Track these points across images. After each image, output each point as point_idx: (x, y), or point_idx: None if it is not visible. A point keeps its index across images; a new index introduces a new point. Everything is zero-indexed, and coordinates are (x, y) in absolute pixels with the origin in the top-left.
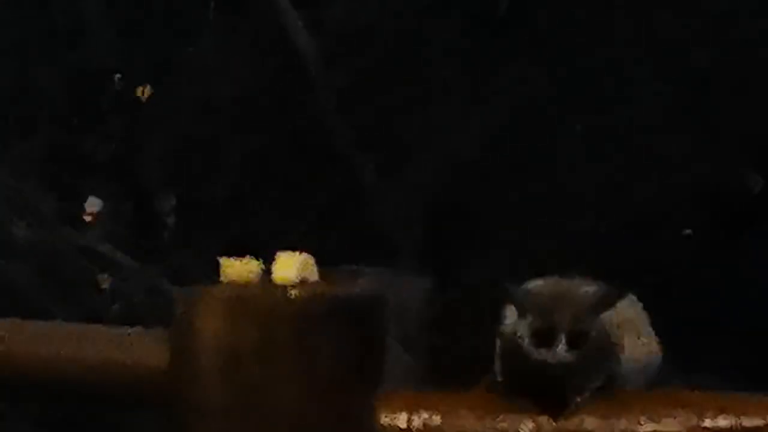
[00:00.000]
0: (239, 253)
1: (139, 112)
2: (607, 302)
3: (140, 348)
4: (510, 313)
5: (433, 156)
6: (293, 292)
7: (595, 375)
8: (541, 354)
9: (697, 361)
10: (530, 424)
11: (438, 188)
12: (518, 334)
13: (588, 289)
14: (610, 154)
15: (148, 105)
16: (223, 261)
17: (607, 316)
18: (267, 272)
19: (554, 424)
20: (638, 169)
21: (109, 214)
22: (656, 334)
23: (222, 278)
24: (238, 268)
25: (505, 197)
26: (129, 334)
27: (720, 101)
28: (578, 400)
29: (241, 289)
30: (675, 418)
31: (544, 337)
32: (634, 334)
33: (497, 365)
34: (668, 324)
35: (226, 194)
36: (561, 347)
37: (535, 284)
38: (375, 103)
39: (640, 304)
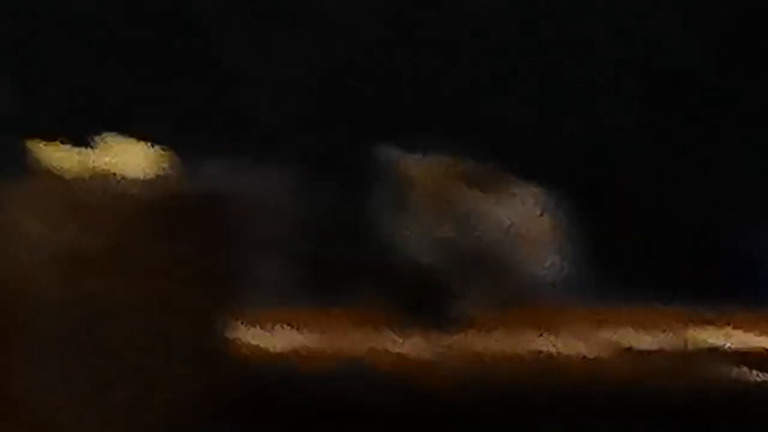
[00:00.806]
0: (69, 135)
1: None
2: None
3: None
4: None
5: (320, 31)
6: (132, 188)
7: (488, 284)
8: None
9: (631, 275)
10: (420, 342)
11: (325, 69)
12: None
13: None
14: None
15: None
16: (38, 146)
17: (504, 223)
18: (98, 162)
19: (446, 340)
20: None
21: None
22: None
23: (37, 167)
24: (56, 156)
25: (403, 76)
26: None
27: None
28: (468, 311)
29: (66, 182)
30: (594, 337)
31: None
32: (539, 246)
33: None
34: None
35: (59, 57)
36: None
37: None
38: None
39: (555, 216)
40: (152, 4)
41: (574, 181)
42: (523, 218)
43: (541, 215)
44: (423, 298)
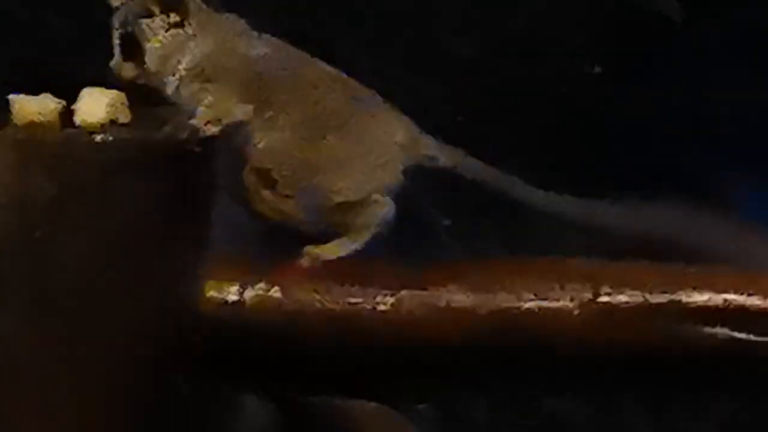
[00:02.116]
0: (39, 86)
1: None
2: None
3: None
4: None
5: None
6: (99, 137)
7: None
8: None
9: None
10: (389, 299)
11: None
12: None
13: None
14: None
15: None
16: (14, 98)
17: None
18: (69, 112)
19: (412, 294)
20: None
21: None
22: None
23: (13, 119)
24: (32, 107)
25: (364, 20)
26: None
27: None
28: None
29: (34, 131)
30: (564, 291)
31: None
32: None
33: None
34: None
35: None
36: None
37: None
38: None
39: None
40: None
41: None
42: None
43: None
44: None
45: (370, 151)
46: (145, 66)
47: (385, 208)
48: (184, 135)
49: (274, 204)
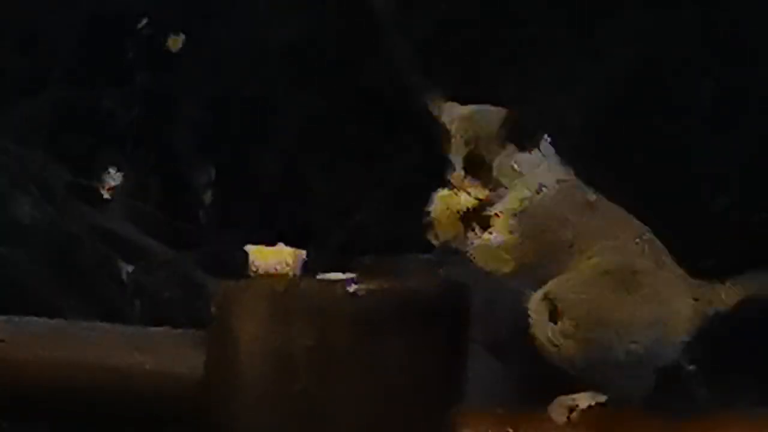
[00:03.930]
0: (294, 239)
1: (170, 66)
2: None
3: (169, 353)
4: None
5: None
6: (353, 287)
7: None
8: None
9: None
10: None
11: None
12: None
13: None
14: None
15: (181, 57)
16: (252, 249)
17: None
18: (308, 263)
19: None
20: None
21: (133, 189)
22: None
23: (251, 270)
24: (270, 258)
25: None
26: (155, 336)
27: None
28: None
29: (288, 282)
30: None
31: None
32: None
33: None
34: None
35: (276, 166)
36: None
37: None
38: (460, 57)
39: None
40: None
41: None
42: None
43: None
44: None
45: (667, 317)
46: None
47: (648, 382)
48: (439, 288)
49: (552, 337)
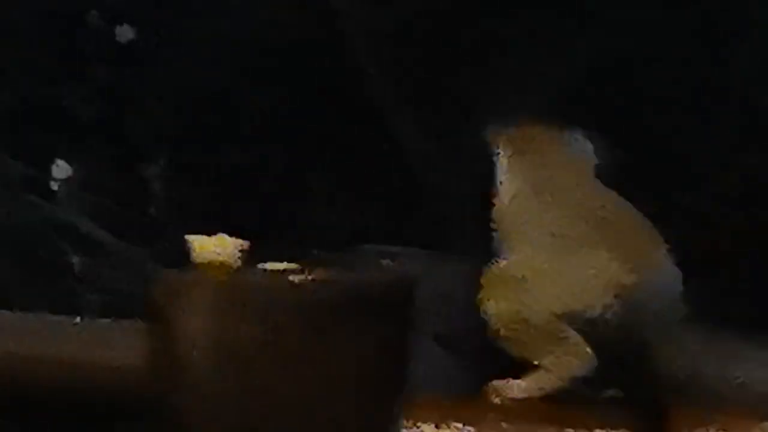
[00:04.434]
0: (250, 233)
1: (125, 58)
2: None
3: (116, 345)
4: None
5: (495, 118)
6: (297, 278)
7: None
8: None
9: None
10: None
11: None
12: None
13: None
14: None
15: (136, 49)
16: (194, 239)
17: None
18: (251, 253)
19: None
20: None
21: (87, 182)
22: None
23: (193, 260)
24: (212, 248)
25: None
26: (103, 328)
27: None
28: None
29: (231, 273)
30: None
31: None
32: None
33: None
34: None
35: (234, 159)
36: None
37: None
38: (420, 50)
39: None
40: None
41: None
42: None
43: None
44: None
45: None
46: None
47: (581, 363)
48: (386, 277)
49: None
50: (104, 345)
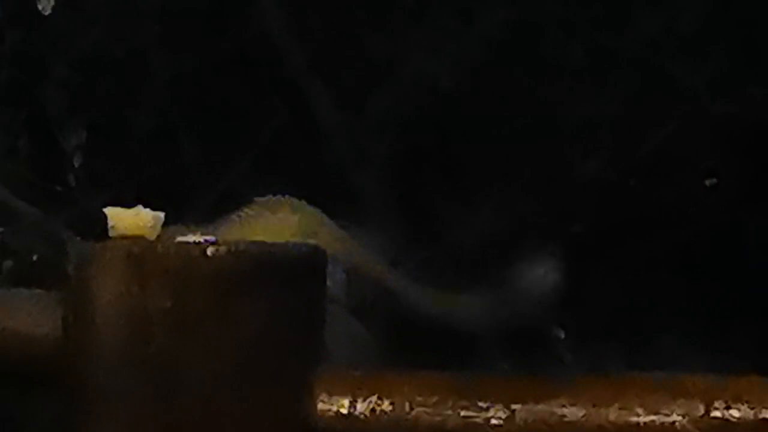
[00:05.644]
0: (163, 199)
1: (39, 25)
2: None
3: (30, 313)
4: None
5: (404, 84)
6: (210, 249)
7: None
8: None
9: (723, 341)
10: (502, 412)
11: (410, 122)
12: None
13: None
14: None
15: (51, 16)
16: (110, 211)
17: None
18: (168, 224)
19: (531, 410)
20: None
21: (2, 150)
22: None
23: (110, 232)
24: (128, 221)
25: (491, 135)
26: (16, 297)
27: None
28: None
29: (145, 243)
30: (676, 406)
31: None
32: None
33: None
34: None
35: (147, 126)
36: None
37: None
38: (328, 17)
39: None
40: None
41: None
42: None
43: None
44: None
45: None
46: None
47: None
48: (300, 248)
49: None
50: (18, 313)
